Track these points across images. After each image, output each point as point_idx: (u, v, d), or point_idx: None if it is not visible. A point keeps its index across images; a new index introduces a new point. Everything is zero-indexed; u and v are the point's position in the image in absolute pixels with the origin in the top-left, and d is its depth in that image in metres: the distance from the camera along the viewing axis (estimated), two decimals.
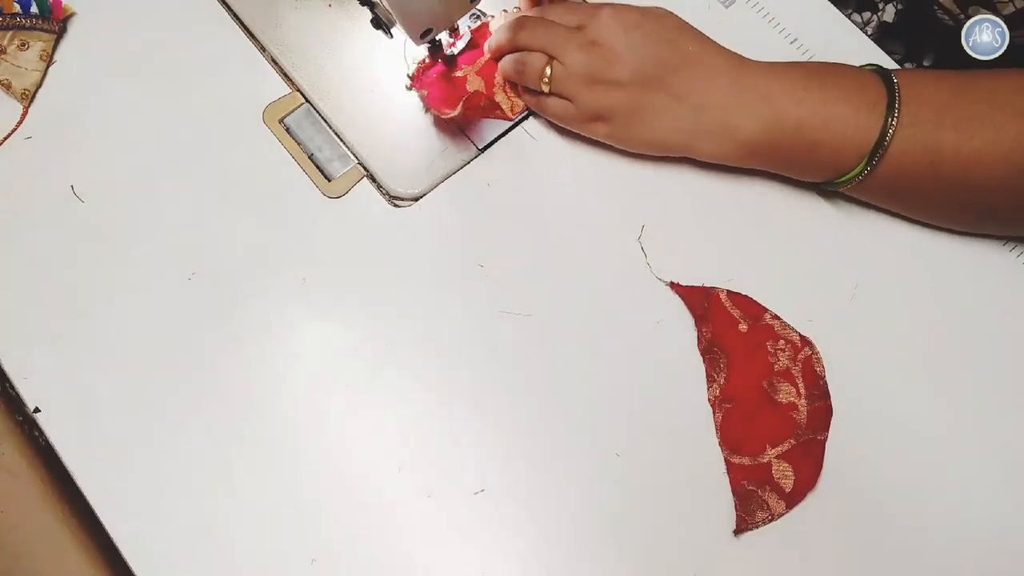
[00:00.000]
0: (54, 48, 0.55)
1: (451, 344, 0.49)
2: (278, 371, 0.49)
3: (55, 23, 0.54)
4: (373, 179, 0.53)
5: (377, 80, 0.54)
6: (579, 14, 0.50)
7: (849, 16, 0.56)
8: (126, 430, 0.47)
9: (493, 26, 0.54)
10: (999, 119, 0.44)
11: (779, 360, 0.48)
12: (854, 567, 0.45)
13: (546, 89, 0.50)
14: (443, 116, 0.51)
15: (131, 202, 0.52)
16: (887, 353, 0.49)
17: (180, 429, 0.47)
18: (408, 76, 0.53)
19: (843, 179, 0.48)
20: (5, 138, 0.53)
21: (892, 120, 0.45)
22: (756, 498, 0.46)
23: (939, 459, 0.47)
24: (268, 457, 0.47)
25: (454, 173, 0.52)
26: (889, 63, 0.54)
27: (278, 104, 0.54)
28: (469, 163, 0.53)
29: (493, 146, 0.53)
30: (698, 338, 0.49)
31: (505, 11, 0.55)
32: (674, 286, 0.50)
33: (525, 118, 0.54)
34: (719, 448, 0.47)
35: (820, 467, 0.47)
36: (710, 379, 0.48)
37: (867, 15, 0.59)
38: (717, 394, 0.48)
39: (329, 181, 0.52)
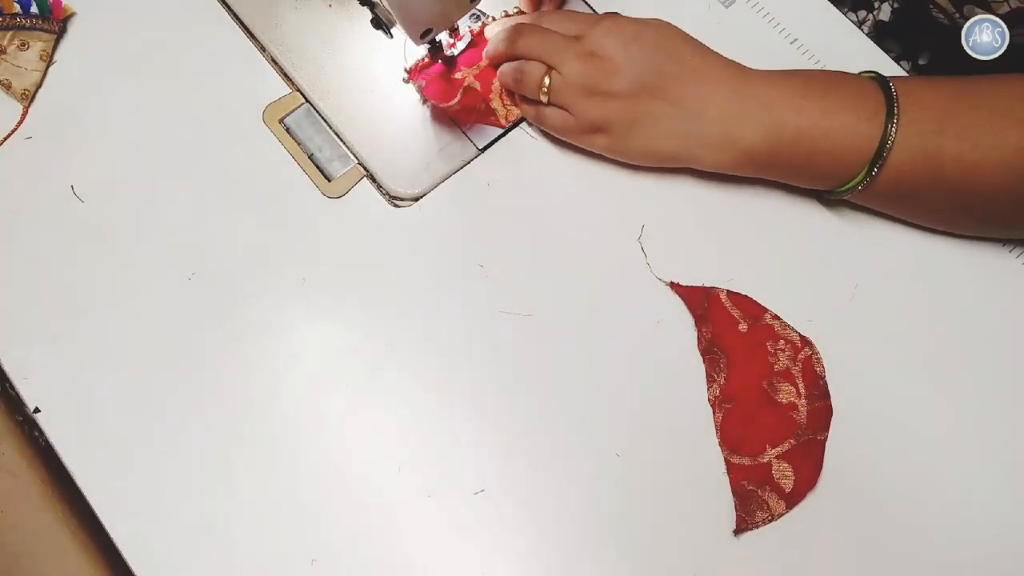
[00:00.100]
0: (54, 48, 0.55)
1: (451, 344, 0.49)
2: (278, 371, 0.49)
3: (55, 23, 0.54)
4: (373, 179, 0.53)
5: (377, 80, 0.54)
6: (578, 24, 0.50)
7: (844, 15, 0.56)
8: (126, 430, 0.47)
9: (489, 32, 0.54)
10: (999, 125, 0.44)
11: (779, 360, 0.48)
12: (854, 567, 0.45)
13: (544, 99, 0.50)
14: (440, 106, 0.51)
15: (131, 202, 0.52)
16: (887, 353, 0.49)
17: (180, 429, 0.47)
18: (405, 70, 0.53)
19: (844, 188, 0.48)
20: (5, 138, 0.53)
21: (892, 128, 0.45)
22: (756, 498, 0.46)
23: (939, 459, 0.47)
24: (268, 457, 0.47)
25: (454, 173, 0.52)
26: (890, 64, 0.54)
27: (278, 104, 0.54)
28: (469, 163, 0.53)
29: (493, 146, 0.53)
30: (698, 338, 0.49)
31: (506, 12, 0.55)
32: (674, 286, 0.50)
33: (516, 125, 0.53)
34: (719, 448, 0.47)
35: (820, 467, 0.47)
36: (710, 379, 0.48)
37: (863, 13, 0.59)
38: (717, 394, 0.48)
39: (329, 181, 0.52)
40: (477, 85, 0.53)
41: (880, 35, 0.58)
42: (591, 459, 0.47)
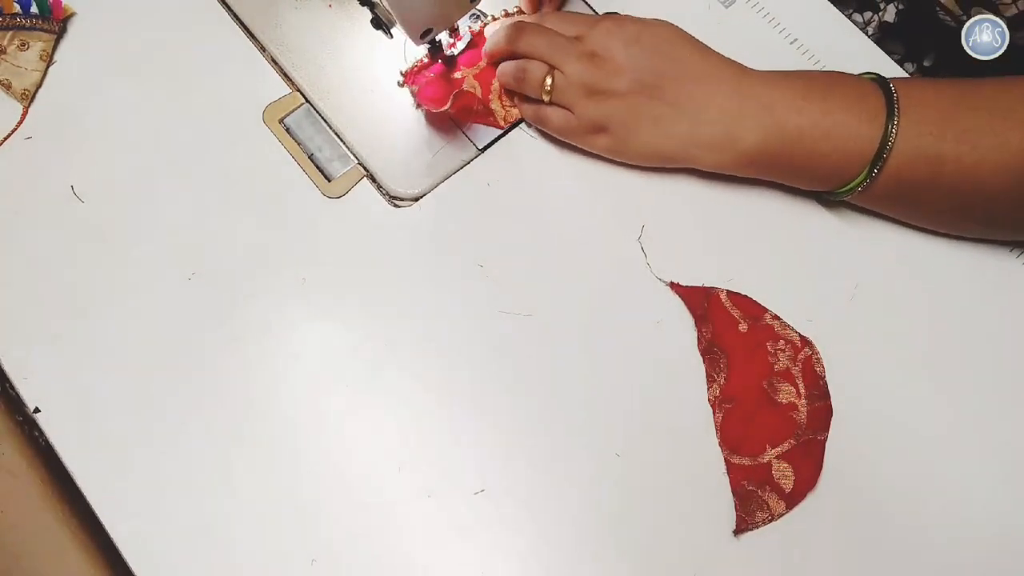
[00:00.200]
0: (54, 48, 0.55)
1: (451, 344, 0.49)
2: (278, 371, 0.49)
3: (55, 23, 0.54)
4: (373, 179, 0.53)
5: (377, 80, 0.54)
6: (578, 24, 0.50)
7: (850, 16, 0.56)
8: (126, 430, 0.47)
9: (489, 31, 0.54)
10: (1000, 128, 0.44)
11: (779, 360, 0.48)
12: (854, 567, 0.45)
13: (546, 98, 0.50)
14: (433, 110, 0.51)
15: (131, 202, 0.52)
16: (887, 353, 0.49)
17: (180, 429, 0.47)
18: (401, 73, 0.53)
19: (844, 189, 0.48)
20: (5, 138, 0.53)
21: (893, 129, 0.44)
22: (756, 498, 0.46)
23: (939, 459, 0.47)
24: (268, 457, 0.47)
25: (454, 173, 0.52)
26: (890, 64, 0.54)
27: (278, 104, 0.54)
28: (469, 163, 0.53)
29: (493, 146, 0.53)
30: (698, 338, 0.49)
31: (506, 11, 0.55)
32: (674, 286, 0.50)
33: (515, 126, 0.53)
34: (719, 448, 0.47)
35: (820, 467, 0.47)
36: (710, 379, 0.48)
37: (868, 15, 0.59)
38: (717, 394, 0.48)
39: (329, 181, 0.52)
40: (477, 85, 0.53)
41: (885, 37, 0.58)
42: (591, 459, 0.47)
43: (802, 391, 0.48)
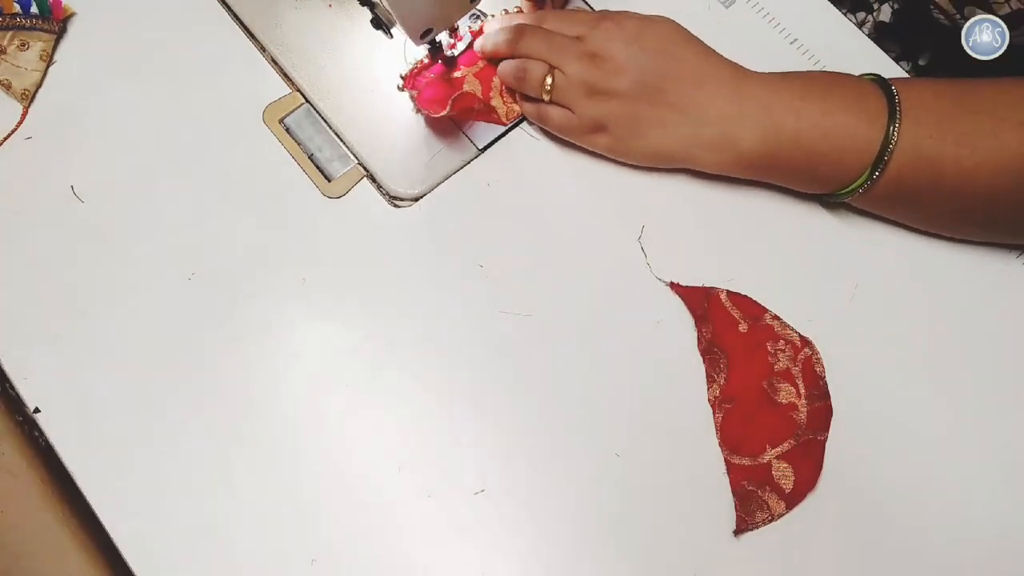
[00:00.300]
0: (54, 48, 0.55)
1: (451, 344, 0.49)
2: (278, 371, 0.49)
3: (55, 23, 0.54)
4: (373, 179, 0.53)
5: (377, 80, 0.54)
6: (579, 24, 0.50)
7: (845, 15, 0.56)
8: (126, 430, 0.47)
9: (488, 28, 0.54)
10: (999, 130, 0.44)
11: (779, 360, 0.48)
12: (854, 567, 0.45)
13: (547, 98, 0.50)
14: (432, 115, 0.51)
15: (131, 202, 0.52)
16: (887, 353, 0.49)
17: (180, 429, 0.47)
18: (401, 76, 0.53)
19: (844, 191, 0.48)
20: (5, 138, 0.53)
21: (894, 131, 0.44)
22: (756, 498, 0.46)
23: (939, 459, 0.47)
24: (268, 457, 0.47)
25: (454, 173, 0.52)
26: (890, 64, 0.54)
27: (278, 104, 0.54)
28: (469, 163, 0.53)
29: (493, 146, 0.53)
30: (698, 338, 0.49)
31: (506, 11, 0.55)
32: (674, 286, 0.50)
33: (518, 124, 0.53)
34: (719, 448, 0.47)
35: (820, 467, 0.47)
36: (710, 379, 0.48)
37: (863, 15, 0.59)
38: (717, 394, 0.48)
39: (329, 181, 0.52)
40: (478, 83, 0.53)
41: (880, 36, 0.58)
42: (591, 459, 0.47)
43: (802, 391, 0.48)
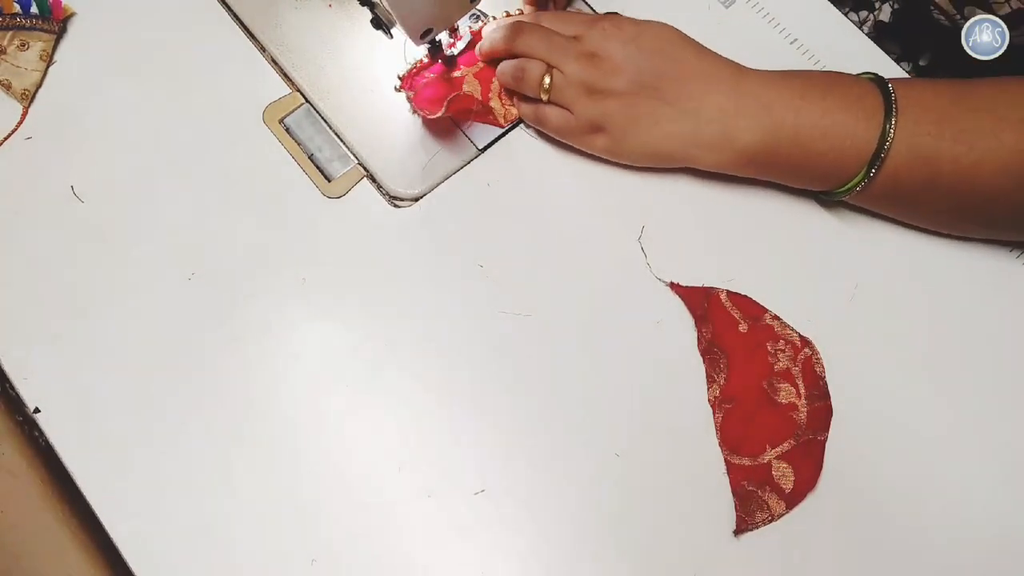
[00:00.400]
0: (54, 48, 0.55)
1: (451, 344, 0.49)
2: (278, 371, 0.49)
3: (55, 23, 0.54)
4: (373, 179, 0.53)
5: (377, 80, 0.54)
6: (577, 24, 0.50)
7: (846, 15, 0.56)
8: (126, 430, 0.47)
9: (487, 30, 0.54)
10: (999, 128, 0.44)
11: (779, 360, 0.48)
12: (854, 567, 0.45)
13: (545, 97, 0.50)
14: (428, 117, 0.51)
15: (131, 202, 0.52)
16: (887, 353, 0.49)
17: (180, 429, 0.47)
18: (398, 76, 0.53)
19: (841, 189, 0.48)
20: (5, 138, 0.53)
21: (890, 129, 0.44)
22: (756, 498, 0.46)
23: (939, 459, 0.47)
24: (268, 457, 0.47)
25: (454, 173, 0.52)
26: (890, 65, 0.54)
27: (278, 104, 0.54)
28: (469, 163, 0.53)
29: (493, 146, 0.53)
30: (698, 338, 0.49)
31: (507, 13, 0.54)
32: (674, 286, 0.50)
33: (516, 126, 0.53)
34: (719, 448, 0.47)
35: (820, 467, 0.47)
36: (710, 379, 0.48)
37: (863, 14, 0.59)
38: (717, 394, 0.48)
39: (329, 181, 0.52)
40: (477, 84, 0.53)
41: (880, 35, 0.58)
42: (591, 459, 0.47)
43: (802, 391, 0.48)
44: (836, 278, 0.50)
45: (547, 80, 0.50)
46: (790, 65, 0.50)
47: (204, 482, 0.46)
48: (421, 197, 0.52)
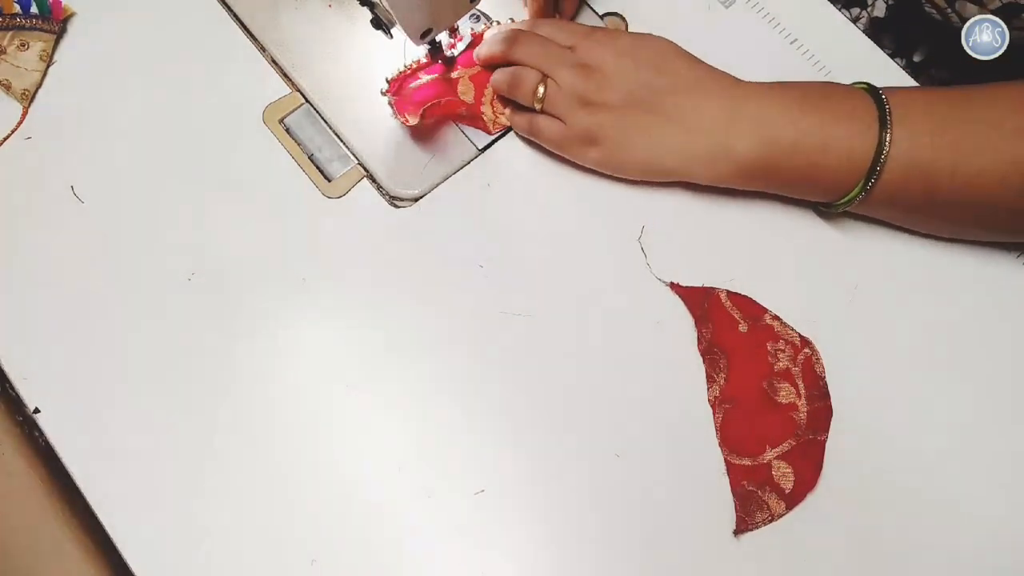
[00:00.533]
0: (54, 48, 0.55)
1: (451, 344, 0.49)
2: (278, 371, 0.49)
3: (55, 23, 0.54)
4: (373, 179, 0.53)
5: (377, 80, 0.54)
6: (573, 34, 0.50)
7: (844, 16, 0.56)
8: (126, 430, 0.47)
9: (487, 35, 0.53)
10: (994, 138, 0.44)
11: (779, 361, 0.48)
12: (854, 567, 0.45)
13: (538, 107, 0.50)
14: (406, 123, 0.51)
15: (131, 202, 0.52)
16: (887, 354, 0.49)
17: (180, 429, 0.47)
18: (386, 80, 0.53)
19: (840, 202, 0.47)
20: (5, 138, 0.53)
21: (886, 140, 0.44)
22: (756, 499, 0.46)
23: (939, 460, 0.47)
24: (268, 457, 0.47)
25: (454, 173, 0.52)
26: (891, 65, 0.54)
27: (278, 104, 0.54)
28: (469, 163, 0.53)
29: (493, 147, 0.53)
30: (698, 338, 0.49)
31: (512, 19, 0.54)
32: (674, 286, 0.50)
33: (505, 134, 0.53)
34: (719, 448, 0.47)
35: (820, 468, 0.47)
36: (710, 379, 0.48)
37: (856, 11, 0.59)
38: (717, 394, 0.48)
39: (329, 181, 0.52)
40: (472, 88, 0.53)
41: (875, 32, 0.58)
42: (591, 459, 0.47)
43: (802, 391, 0.48)
44: (836, 278, 0.50)
45: (541, 89, 0.50)
46: (790, 65, 0.50)
47: (204, 482, 0.46)
48: (421, 197, 0.52)
